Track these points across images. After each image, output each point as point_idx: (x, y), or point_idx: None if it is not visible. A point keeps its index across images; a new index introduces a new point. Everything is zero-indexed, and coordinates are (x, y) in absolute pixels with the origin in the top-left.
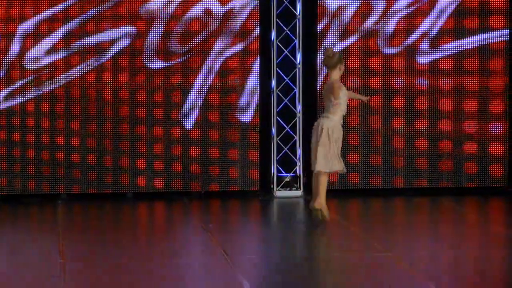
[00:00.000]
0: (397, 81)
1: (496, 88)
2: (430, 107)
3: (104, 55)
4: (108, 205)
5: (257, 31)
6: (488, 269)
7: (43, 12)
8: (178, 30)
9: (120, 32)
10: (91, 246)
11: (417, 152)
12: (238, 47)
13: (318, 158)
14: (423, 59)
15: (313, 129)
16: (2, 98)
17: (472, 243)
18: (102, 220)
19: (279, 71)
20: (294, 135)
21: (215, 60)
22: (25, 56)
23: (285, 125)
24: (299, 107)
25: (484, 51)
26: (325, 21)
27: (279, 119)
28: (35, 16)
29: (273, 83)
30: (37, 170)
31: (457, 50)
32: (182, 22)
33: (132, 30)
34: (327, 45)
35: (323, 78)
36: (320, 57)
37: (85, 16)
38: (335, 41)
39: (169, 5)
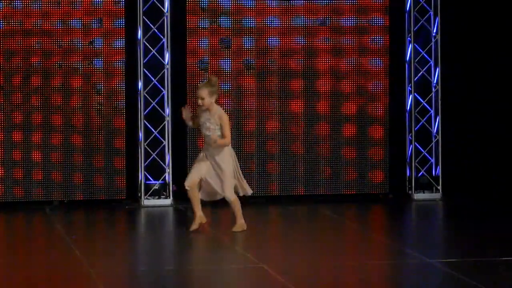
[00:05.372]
0: (269, 82)
1: (375, 89)
2: (306, 110)
3: None
4: None
5: (122, 28)
6: (366, 281)
7: None
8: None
9: None
10: None
11: (293, 157)
12: (102, 45)
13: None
14: (297, 60)
15: (232, 154)
16: None
17: (351, 253)
18: None
19: (146, 71)
20: (163, 140)
21: (77, 60)
22: None
23: (153, 130)
24: (168, 111)
25: (363, 51)
26: (195, 18)
27: (146, 123)
28: None
29: (140, 84)
30: None
31: (334, 50)
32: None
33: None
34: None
35: (192, 79)
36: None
37: None
38: (205, 39)
39: None
